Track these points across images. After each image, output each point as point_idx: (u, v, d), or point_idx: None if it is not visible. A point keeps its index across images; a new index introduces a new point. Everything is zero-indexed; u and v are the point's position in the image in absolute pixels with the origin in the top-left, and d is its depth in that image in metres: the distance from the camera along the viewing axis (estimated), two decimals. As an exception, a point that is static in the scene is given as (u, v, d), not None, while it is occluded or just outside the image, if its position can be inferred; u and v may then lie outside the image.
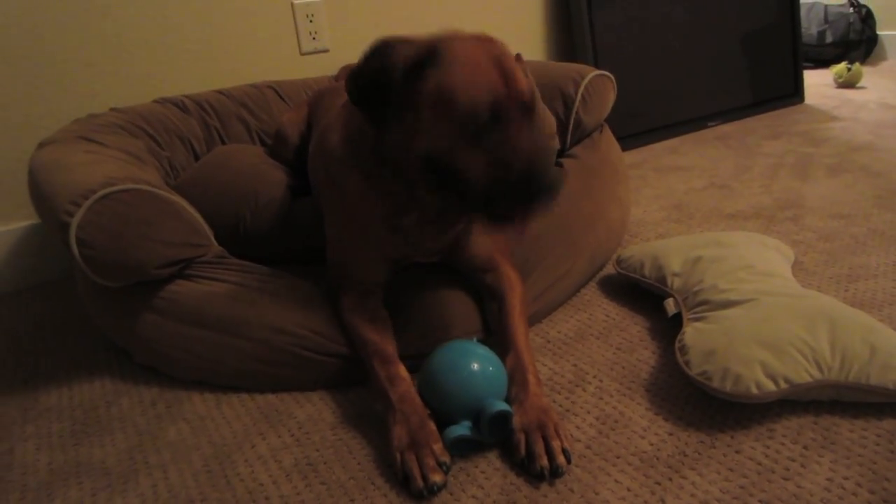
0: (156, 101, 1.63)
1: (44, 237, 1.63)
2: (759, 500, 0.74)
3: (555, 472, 0.81)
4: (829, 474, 0.77)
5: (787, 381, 0.84)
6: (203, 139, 1.63)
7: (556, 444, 0.82)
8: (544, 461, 0.81)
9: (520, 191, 0.82)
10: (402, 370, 0.94)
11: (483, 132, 0.85)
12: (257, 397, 1.05)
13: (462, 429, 0.84)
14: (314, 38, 1.93)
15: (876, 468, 0.77)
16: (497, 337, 1.02)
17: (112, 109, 1.55)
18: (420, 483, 0.79)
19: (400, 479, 0.82)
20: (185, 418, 1.02)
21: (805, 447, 0.81)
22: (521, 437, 0.84)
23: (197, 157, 1.60)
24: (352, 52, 1.99)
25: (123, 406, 1.07)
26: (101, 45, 1.62)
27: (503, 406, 0.84)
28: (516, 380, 0.91)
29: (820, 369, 0.85)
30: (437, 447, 0.83)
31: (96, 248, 0.99)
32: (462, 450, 0.86)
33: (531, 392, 0.89)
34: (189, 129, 1.59)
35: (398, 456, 0.83)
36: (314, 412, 1.00)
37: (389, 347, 0.98)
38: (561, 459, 0.81)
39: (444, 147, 0.87)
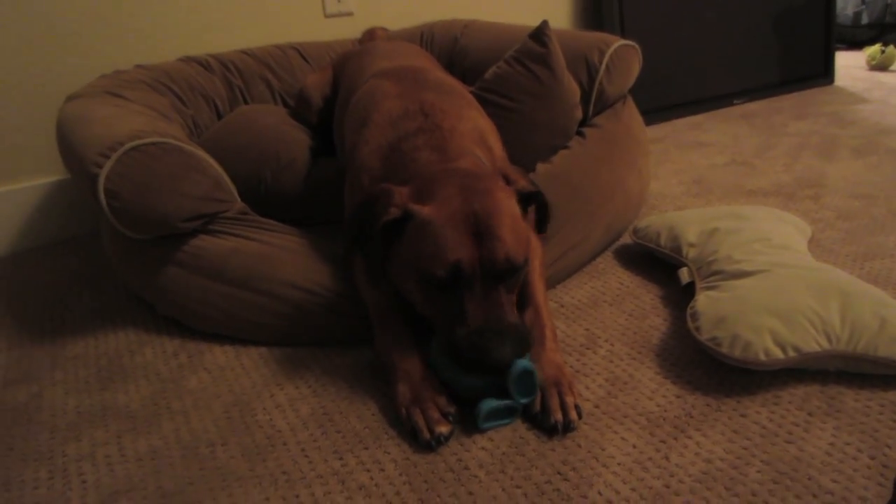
0: (180, 60, 1.65)
1: (71, 193, 1.67)
2: (762, 461, 0.76)
3: (567, 427, 0.83)
4: (831, 440, 0.78)
5: (795, 349, 0.85)
6: (226, 98, 1.65)
7: (569, 400, 0.85)
8: (559, 415, 0.83)
9: (467, 350, 0.83)
10: (406, 331, 0.96)
11: (440, 292, 0.87)
12: (275, 350, 1.08)
13: (492, 401, 0.85)
14: (339, 1, 1.93)
15: (878, 436, 0.78)
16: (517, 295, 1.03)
17: (137, 66, 1.57)
18: (427, 435, 0.82)
19: (408, 432, 0.85)
20: (205, 368, 1.06)
21: (810, 413, 0.83)
22: (538, 392, 0.86)
23: (220, 116, 1.62)
24: (376, 16, 2.00)
25: (147, 355, 1.11)
26: (126, 3, 1.64)
27: (527, 364, 0.85)
28: (535, 335, 0.94)
29: (829, 339, 0.85)
30: (441, 400, 0.86)
31: (123, 199, 1.02)
32: (497, 419, 0.86)
33: (548, 347, 0.92)
34: (213, 88, 1.61)
35: (403, 411, 0.86)
36: (330, 366, 1.03)
37: (395, 307, 1.00)
38: (573, 415, 0.84)
39: (411, 290, 0.92)
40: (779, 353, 0.85)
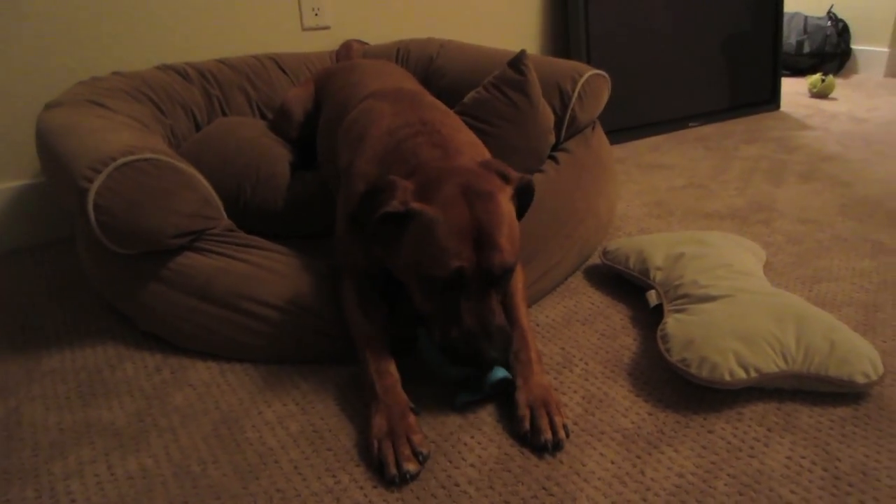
0: (158, 68, 1.64)
1: (41, 197, 1.63)
2: (728, 475, 0.83)
3: (556, 446, 0.89)
4: (788, 453, 0.86)
5: (756, 370, 0.93)
6: (204, 109, 1.65)
7: (558, 420, 0.90)
8: (548, 435, 0.88)
9: (461, 348, 0.90)
10: (392, 365, 0.99)
11: (439, 294, 0.92)
12: (260, 367, 1.10)
13: (473, 395, 0.98)
14: (317, 14, 1.95)
15: (829, 449, 0.87)
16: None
17: (115, 73, 1.55)
18: (393, 470, 0.84)
19: (375, 465, 0.87)
20: (190, 384, 1.07)
21: (769, 429, 0.91)
22: (527, 413, 0.91)
23: (198, 127, 1.62)
24: (353, 30, 2.03)
25: (128, 371, 1.11)
26: (104, 8, 1.62)
27: (506, 374, 0.96)
28: (520, 358, 0.99)
29: (786, 360, 0.94)
30: (416, 437, 0.88)
31: (113, 215, 1.03)
32: (469, 405, 0.99)
33: (534, 371, 0.97)
34: (191, 98, 1.61)
35: (375, 444, 0.88)
36: (316, 382, 1.05)
37: (381, 337, 1.02)
38: (562, 434, 0.89)
39: (410, 284, 0.97)
40: (742, 374, 0.92)
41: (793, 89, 3.16)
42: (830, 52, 3.41)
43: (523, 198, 1.02)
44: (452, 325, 0.91)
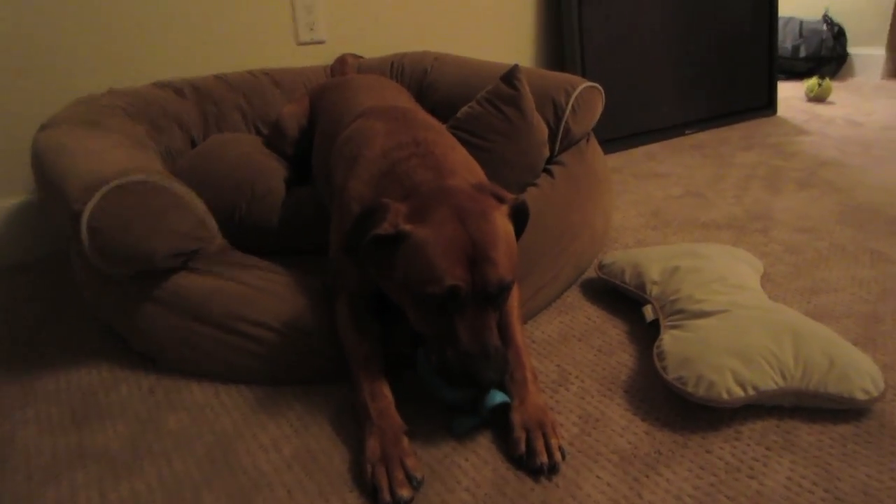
0: (154, 85, 1.64)
1: (31, 216, 1.62)
2: (727, 497, 0.82)
3: (552, 469, 0.87)
4: (788, 474, 0.85)
5: (754, 387, 0.92)
6: (200, 125, 1.65)
7: (554, 442, 0.89)
8: (544, 458, 0.87)
9: (457, 369, 0.88)
10: (385, 386, 0.98)
11: (434, 314, 0.91)
12: (255, 388, 1.09)
13: (471, 420, 0.96)
14: (311, 29, 1.95)
15: (830, 468, 0.85)
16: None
17: (111, 90, 1.55)
18: (387, 496, 0.83)
19: (369, 490, 0.85)
20: (184, 407, 1.06)
21: (768, 448, 0.90)
22: (522, 435, 0.90)
23: (194, 144, 1.62)
24: (348, 45, 2.04)
25: (122, 393, 1.10)
26: (100, 27, 1.62)
27: (504, 398, 0.94)
28: (516, 378, 0.98)
29: (784, 377, 0.93)
30: (410, 462, 0.87)
31: (106, 237, 1.02)
32: (468, 432, 0.97)
33: (530, 391, 0.96)
34: (187, 115, 1.61)
35: (369, 468, 0.87)
36: (310, 404, 1.04)
37: (375, 357, 1.02)
38: (558, 456, 0.88)
39: (405, 305, 0.96)
40: (739, 392, 0.91)
41: (790, 94, 3.16)
42: (827, 56, 3.42)
43: (518, 219, 1.02)
44: (448, 345, 0.90)
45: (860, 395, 0.91)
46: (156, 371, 1.15)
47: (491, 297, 0.90)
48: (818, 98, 3.02)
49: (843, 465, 0.86)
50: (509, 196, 0.99)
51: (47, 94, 1.57)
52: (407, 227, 0.91)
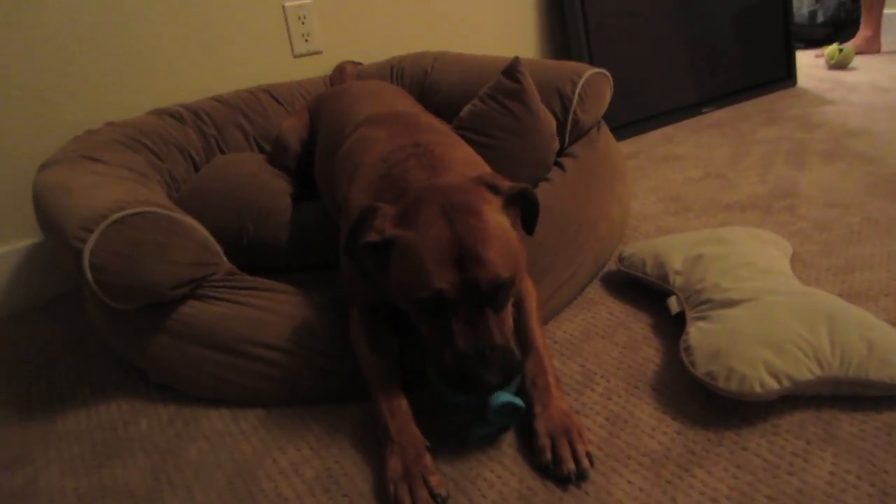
0: (151, 113, 1.64)
1: (46, 255, 1.64)
2: (766, 496, 0.77)
3: (581, 476, 0.84)
4: (831, 468, 0.80)
5: (789, 378, 0.86)
6: (201, 149, 1.64)
7: (581, 448, 0.85)
8: (571, 465, 0.84)
9: (456, 372, 0.85)
10: (404, 402, 0.95)
11: (430, 318, 0.88)
12: (273, 411, 1.07)
13: (484, 428, 0.92)
14: (307, 40, 1.94)
15: (875, 460, 0.80)
16: (516, 341, 1.03)
17: (108, 124, 1.55)
18: None
19: None
20: (204, 435, 1.05)
21: (808, 442, 0.84)
22: (547, 443, 0.87)
23: (196, 168, 1.61)
24: (345, 53, 2.01)
25: (142, 426, 1.10)
26: (93, 59, 1.62)
27: (510, 399, 0.89)
28: (538, 384, 0.94)
29: (821, 366, 0.87)
30: (433, 479, 0.84)
31: (109, 273, 1.01)
32: (482, 441, 0.93)
33: (553, 396, 0.92)
34: (187, 140, 1.60)
35: (392, 487, 0.84)
36: (329, 425, 1.02)
37: (392, 371, 0.99)
38: (586, 463, 0.84)
39: (405, 309, 0.93)
40: (773, 384, 0.86)
41: (810, 62, 3.05)
42: (845, 20, 3.29)
43: (525, 208, 0.97)
44: (446, 347, 0.86)
45: (905, 380, 0.85)
46: (174, 401, 1.14)
47: (485, 296, 0.86)
48: (839, 65, 2.90)
49: (889, 456, 0.80)
50: (505, 185, 0.94)
51: (44, 132, 1.57)
52: (393, 233, 0.88)
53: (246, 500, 0.90)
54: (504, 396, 0.88)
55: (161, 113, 1.62)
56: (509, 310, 0.92)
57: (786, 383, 0.86)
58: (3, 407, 1.21)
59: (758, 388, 0.86)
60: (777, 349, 0.88)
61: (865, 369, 0.86)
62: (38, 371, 1.32)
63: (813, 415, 0.89)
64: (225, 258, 1.16)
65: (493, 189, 0.93)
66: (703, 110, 2.50)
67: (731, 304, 1.00)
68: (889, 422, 0.86)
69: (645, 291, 1.24)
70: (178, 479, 0.96)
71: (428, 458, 0.87)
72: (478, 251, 0.85)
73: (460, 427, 0.95)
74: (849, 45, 2.90)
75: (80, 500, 0.95)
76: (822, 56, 3.02)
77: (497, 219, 0.90)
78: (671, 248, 1.21)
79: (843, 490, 0.77)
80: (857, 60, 2.95)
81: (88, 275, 1.00)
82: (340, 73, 1.88)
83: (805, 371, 0.87)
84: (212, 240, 1.13)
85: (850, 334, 0.89)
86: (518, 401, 0.90)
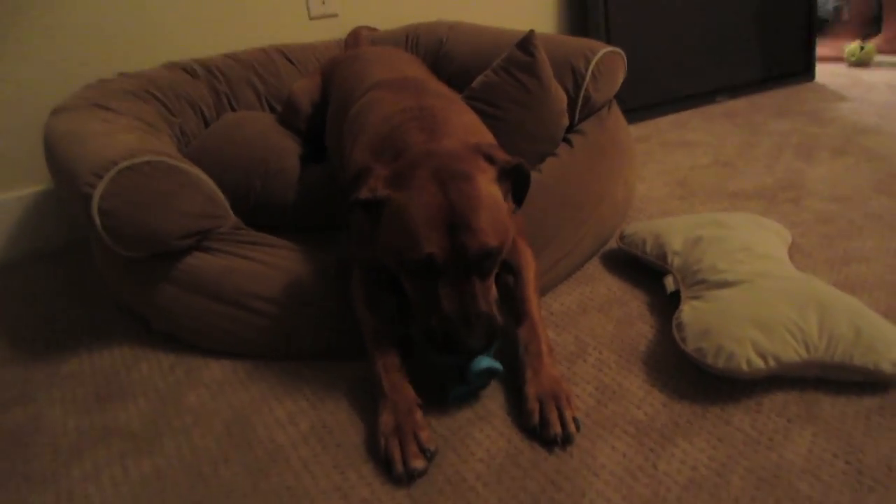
0: (164, 66, 1.64)
1: (54, 203, 1.66)
2: (744, 468, 0.80)
3: (566, 440, 0.86)
4: (809, 446, 0.82)
5: (776, 359, 0.89)
6: (213, 105, 1.65)
7: (568, 414, 0.88)
8: (557, 429, 0.86)
9: (439, 335, 0.86)
10: (398, 361, 0.97)
11: (418, 281, 0.90)
12: (272, 364, 1.10)
13: (464, 387, 0.96)
14: (323, 3, 1.93)
15: (853, 441, 0.82)
16: (512, 309, 1.06)
17: (121, 74, 1.56)
18: (400, 468, 0.83)
19: (383, 462, 0.86)
20: (203, 383, 1.08)
21: (789, 420, 0.87)
22: (536, 406, 0.89)
23: (207, 123, 1.62)
24: (361, 17, 2.01)
25: (143, 371, 1.13)
26: (108, 10, 1.63)
27: (492, 364, 0.93)
28: (530, 350, 0.96)
29: (807, 349, 0.89)
30: (423, 434, 0.87)
31: (118, 219, 1.03)
32: (461, 399, 0.97)
33: (545, 363, 0.95)
34: (199, 95, 1.61)
35: (383, 441, 0.87)
36: (326, 379, 1.05)
37: (389, 332, 1.01)
38: (572, 427, 0.87)
39: (393, 269, 0.95)
40: (760, 364, 0.88)
41: (829, 58, 3.01)
42: (870, 18, 3.24)
43: (517, 182, 0.98)
44: (432, 312, 0.88)
45: (887, 368, 0.87)
46: (175, 350, 1.17)
47: (473, 263, 0.87)
48: (861, 63, 2.87)
49: (866, 438, 0.83)
50: (501, 157, 0.95)
51: (58, 81, 1.58)
52: (386, 193, 0.89)
53: (242, 446, 0.93)
54: (485, 361, 0.91)
55: (174, 67, 1.62)
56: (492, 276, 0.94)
57: (772, 363, 0.88)
58: (6, 349, 1.24)
59: (744, 367, 0.88)
60: (766, 330, 0.90)
61: (850, 355, 0.88)
62: (42, 316, 1.35)
63: (796, 395, 0.91)
64: (231, 212, 1.18)
65: (489, 159, 0.94)
66: (718, 99, 2.49)
67: (725, 285, 1.02)
68: (869, 406, 0.88)
69: (643, 270, 1.26)
70: (178, 424, 0.99)
71: (419, 415, 0.90)
72: (468, 219, 0.86)
73: (441, 387, 0.97)
74: (871, 44, 2.87)
75: (82, 437, 0.98)
76: (842, 54, 2.99)
77: (489, 188, 0.91)
78: (672, 229, 1.23)
79: (819, 466, 0.79)
80: (879, 59, 2.92)
81: (97, 220, 1.02)
82: (355, 37, 1.88)
83: (792, 353, 0.89)
84: (219, 193, 1.15)
85: (838, 320, 0.91)
86: (497, 364, 0.93)
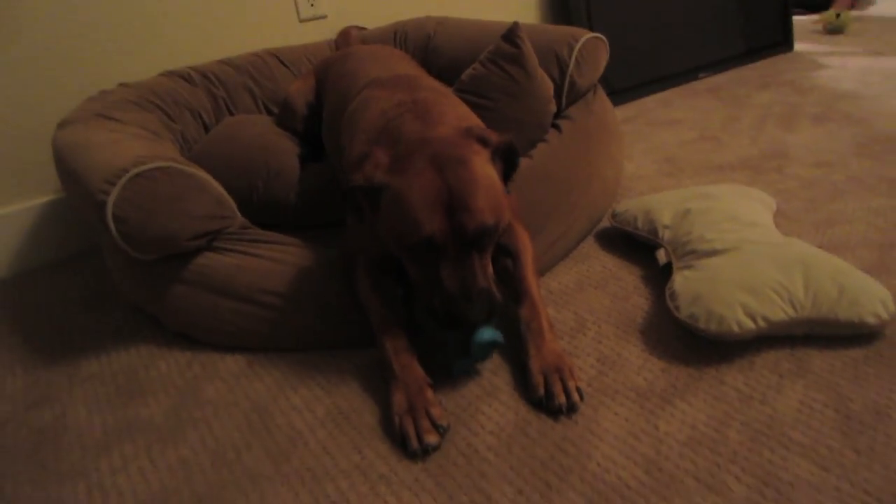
0: (162, 75, 1.68)
1: (65, 212, 1.69)
2: (740, 423, 0.85)
3: (571, 408, 0.91)
4: (800, 398, 0.87)
5: (764, 319, 0.93)
6: (212, 110, 1.68)
7: (571, 384, 0.93)
8: (562, 398, 0.91)
9: (442, 311, 0.90)
10: (407, 343, 1.02)
11: (420, 262, 0.93)
12: (285, 356, 1.14)
13: (467, 361, 1.00)
14: (312, 5, 1.97)
15: (841, 391, 0.87)
16: (512, 290, 1.10)
17: (121, 85, 1.60)
18: (415, 443, 0.88)
19: (398, 441, 0.91)
20: (220, 377, 1.12)
21: (781, 376, 0.92)
22: (540, 379, 0.94)
23: (207, 129, 1.66)
24: (350, 17, 2.04)
25: (161, 369, 1.17)
26: (104, 22, 1.66)
27: (494, 336, 0.96)
28: (532, 328, 1.01)
29: (794, 307, 0.94)
30: (435, 411, 0.92)
31: (131, 224, 1.07)
32: (465, 371, 1.02)
33: (546, 339, 0.99)
34: (198, 102, 1.65)
35: (397, 419, 0.92)
36: (338, 368, 1.09)
37: (396, 318, 1.05)
38: (576, 397, 0.92)
39: (394, 252, 0.98)
40: (750, 324, 0.93)
41: (809, 28, 3.06)
42: (845, -15, 3.29)
43: (507, 160, 1.02)
44: (434, 290, 0.92)
45: (870, 320, 0.92)
46: (190, 347, 1.21)
47: (471, 241, 0.91)
48: (836, 30, 2.93)
49: (854, 386, 0.88)
50: (494, 138, 0.99)
51: (61, 96, 1.61)
52: (385, 179, 0.93)
53: (262, 433, 0.98)
54: (487, 334, 0.95)
55: (172, 75, 1.66)
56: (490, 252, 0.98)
57: (762, 324, 0.93)
58: (27, 354, 1.28)
59: (735, 328, 0.93)
60: (754, 293, 0.95)
61: (835, 310, 0.93)
62: (59, 322, 1.39)
63: (787, 352, 0.96)
64: (238, 213, 1.22)
65: (482, 141, 0.98)
66: (701, 75, 2.53)
67: (714, 253, 1.07)
68: (855, 357, 0.93)
69: (636, 246, 1.31)
70: (199, 415, 1.03)
71: (430, 393, 0.95)
72: (466, 199, 0.90)
73: (446, 365, 1.02)
74: (847, 11, 2.92)
75: (108, 433, 1.03)
76: (820, 21, 3.04)
77: (485, 169, 0.95)
78: (661, 204, 1.27)
79: (810, 416, 0.84)
80: (855, 26, 2.97)
81: (111, 226, 1.06)
82: (345, 37, 1.92)
83: (780, 312, 0.94)
84: (226, 195, 1.19)
85: (822, 279, 0.96)
86: (499, 336, 0.97)
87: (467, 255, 0.92)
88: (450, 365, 1.01)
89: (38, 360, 1.26)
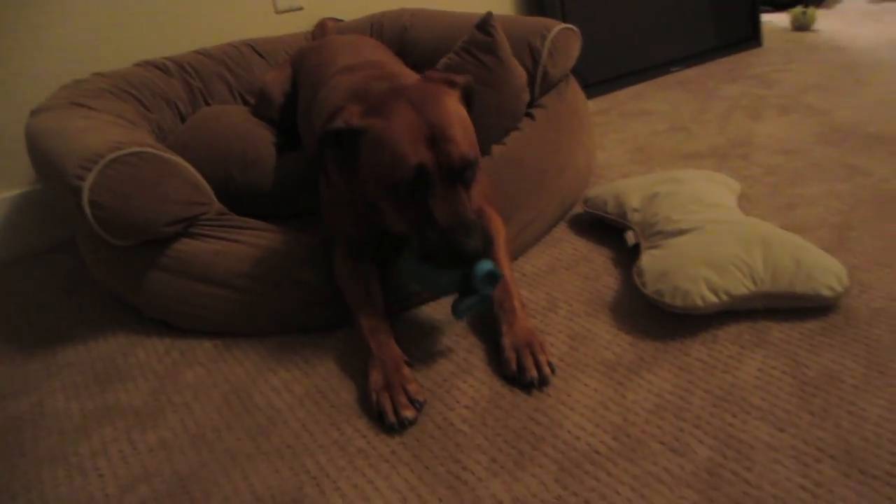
0: (138, 65, 1.68)
1: (41, 203, 1.68)
2: (703, 390, 0.89)
3: (542, 381, 0.94)
4: (760, 366, 0.91)
5: (727, 293, 0.97)
6: (187, 100, 1.69)
7: (542, 358, 0.96)
8: (534, 372, 0.94)
9: (440, 248, 0.91)
10: (384, 323, 1.04)
11: (405, 199, 0.93)
12: (265, 339, 1.16)
13: (470, 300, 0.95)
14: (289, -3, 1.98)
15: (798, 359, 0.92)
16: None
17: (95, 74, 1.59)
18: (392, 418, 0.90)
19: (376, 416, 0.93)
20: (199, 362, 1.13)
21: (742, 347, 0.96)
22: (512, 355, 0.97)
23: (183, 119, 1.66)
24: (326, 9, 2.06)
25: (140, 356, 1.18)
26: (79, 11, 1.65)
27: (491, 267, 0.93)
28: (504, 307, 1.04)
29: (755, 282, 0.98)
30: (411, 387, 0.94)
31: (107, 209, 1.08)
32: (472, 308, 0.96)
33: (518, 316, 1.02)
34: (173, 92, 1.65)
35: (374, 396, 0.94)
36: (316, 350, 1.11)
37: (373, 298, 1.08)
38: (547, 370, 0.95)
39: (380, 203, 0.98)
40: (713, 298, 0.97)
41: (777, 25, 3.14)
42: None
43: (468, 101, 1.05)
44: (427, 227, 0.92)
45: (826, 292, 0.97)
46: (169, 334, 1.22)
47: (457, 173, 0.93)
48: (803, 26, 3.00)
49: (810, 354, 0.92)
50: (460, 79, 1.03)
51: (33, 85, 1.60)
52: (363, 122, 0.95)
53: (241, 413, 0.99)
54: (486, 265, 0.93)
55: (147, 65, 1.66)
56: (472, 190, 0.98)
57: (724, 298, 0.97)
58: (4, 344, 1.28)
59: (699, 303, 0.97)
60: (717, 268, 0.99)
61: (793, 284, 0.97)
62: (35, 312, 1.39)
63: (748, 325, 1.00)
64: (215, 199, 1.23)
65: (450, 83, 1.03)
66: (672, 69, 2.59)
67: (679, 233, 1.11)
68: (812, 328, 0.97)
69: (607, 230, 1.34)
70: (178, 399, 1.05)
71: (406, 370, 0.97)
72: (446, 131, 0.93)
73: (437, 345, 1.05)
74: (812, 8, 3.00)
75: (86, 418, 1.03)
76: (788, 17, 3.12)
77: (458, 107, 0.99)
78: (631, 189, 1.31)
79: (769, 382, 0.88)
80: (821, 22, 3.05)
81: (87, 211, 1.06)
82: (322, 29, 1.93)
83: (741, 287, 0.98)
84: (203, 181, 1.20)
85: (781, 254, 1.00)
86: (496, 267, 0.95)
87: (454, 188, 0.93)
88: (454, 310, 0.96)
89: (14, 350, 1.26)
